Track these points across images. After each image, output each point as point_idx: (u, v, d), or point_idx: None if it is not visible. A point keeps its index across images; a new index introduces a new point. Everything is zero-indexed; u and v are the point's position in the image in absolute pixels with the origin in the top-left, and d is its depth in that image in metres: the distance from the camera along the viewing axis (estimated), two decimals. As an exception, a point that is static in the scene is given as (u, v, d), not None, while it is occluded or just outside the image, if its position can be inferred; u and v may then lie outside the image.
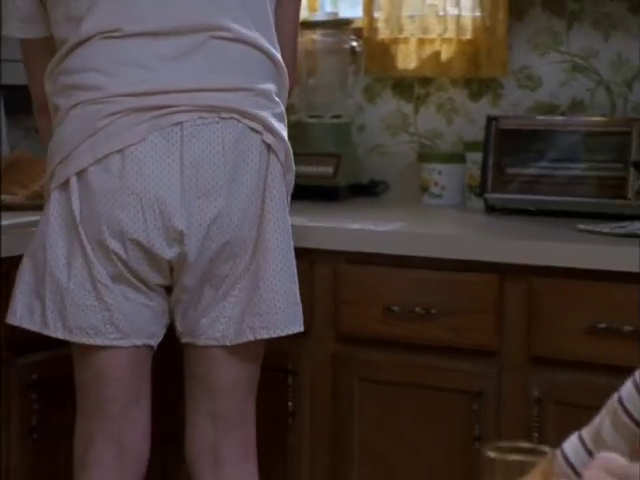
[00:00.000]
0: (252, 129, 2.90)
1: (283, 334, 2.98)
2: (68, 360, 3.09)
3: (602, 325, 3.05)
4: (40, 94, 3.15)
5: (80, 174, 2.85)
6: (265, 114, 2.92)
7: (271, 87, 2.96)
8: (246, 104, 2.91)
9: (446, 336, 3.25)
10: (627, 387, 2.01)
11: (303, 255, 3.20)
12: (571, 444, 1.99)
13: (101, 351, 2.93)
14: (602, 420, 1.98)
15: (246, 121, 2.89)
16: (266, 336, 2.95)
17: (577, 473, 2.00)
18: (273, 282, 2.95)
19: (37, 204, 3.29)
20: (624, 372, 2.02)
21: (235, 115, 2.89)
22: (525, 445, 1.85)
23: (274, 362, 3.22)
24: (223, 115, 2.88)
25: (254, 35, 2.95)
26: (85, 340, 2.88)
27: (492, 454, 1.64)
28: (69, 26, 2.94)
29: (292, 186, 3.04)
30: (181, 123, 2.87)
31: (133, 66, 2.91)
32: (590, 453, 2.01)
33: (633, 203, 3.54)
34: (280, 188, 2.94)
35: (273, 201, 2.94)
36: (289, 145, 3.00)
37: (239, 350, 2.95)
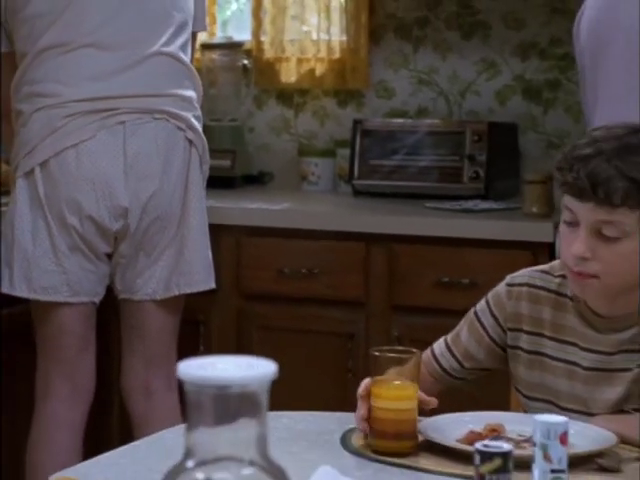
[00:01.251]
0: (178, 127, 3.04)
1: (201, 289, 3.16)
2: (25, 315, 3.18)
3: (445, 279, 3.29)
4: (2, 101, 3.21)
5: (43, 164, 2.98)
6: (188, 115, 3.07)
7: (192, 94, 3.12)
8: (174, 107, 3.06)
9: (325, 291, 3.45)
10: (482, 304, 2.30)
11: (212, 229, 3.31)
12: (438, 345, 2.32)
13: (58, 307, 3.07)
14: (461, 327, 2.31)
15: (174, 121, 3.04)
16: (188, 291, 3.12)
17: (440, 364, 2.30)
18: (194, 250, 3.12)
19: None
20: (463, 315, 2.36)
21: (165, 116, 3.04)
22: (400, 348, 2.21)
23: (189, 315, 3.34)
24: (156, 116, 3.03)
25: (180, 53, 3.10)
26: (46, 297, 3.03)
27: (376, 353, 1.99)
28: (30, 41, 3.03)
29: (207, 175, 3.19)
30: (124, 122, 3.02)
31: (85, 78, 3.03)
32: (449, 349, 2.32)
33: (467, 186, 3.77)
34: (199, 175, 3.11)
35: (194, 185, 3.10)
36: (205, 141, 3.14)
37: (166, 303, 3.11)
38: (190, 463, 1.23)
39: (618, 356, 2.16)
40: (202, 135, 3.14)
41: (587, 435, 1.93)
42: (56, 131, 3.02)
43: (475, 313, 2.30)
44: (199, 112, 3.15)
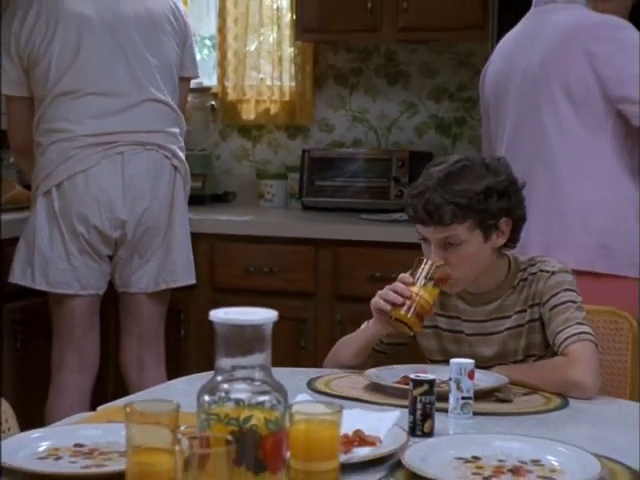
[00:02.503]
0: (165, 156, 3.18)
1: (184, 284, 3.26)
2: (41, 306, 3.28)
3: (378, 274, 3.38)
4: (19, 139, 3.28)
5: (58, 185, 3.10)
6: (173, 147, 3.20)
7: (176, 130, 3.23)
8: (162, 140, 3.18)
9: (282, 285, 3.56)
10: None
11: (192, 236, 3.38)
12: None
13: (70, 298, 3.20)
14: None
15: (162, 151, 3.17)
16: (173, 286, 3.25)
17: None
18: (178, 253, 3.25)
19: (8, 207, 3.56)
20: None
21: (155, 147, 3.16)
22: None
23: (173, 305, 3.42)
24: (147, 147, 3.15)
25: (167, 98, 3.22)
26: (61, 290, 3.16)
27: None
28: (47, 88, 3.12)
29: (189, 193, 3.30)
30: (122, 153, 3.14)
31: (91, 117, 3.14)
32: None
33: (393, 202, 3.85)
34: (182, 194, 3.24)
35: (178, 201, 3.23)
36: (188, 167, 3.26)
37: (156, 295, 3.25)
38: (219, 378, 1.42)
39: (489, 323, 2.25)
40: (185, 162, 3.25)
41: (487, 378, 2.04)
42: (68, 159, 3.12)
43: None
44: (182, 144, 3.25)
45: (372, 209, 3.88)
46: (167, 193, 3.20)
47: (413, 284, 2.12)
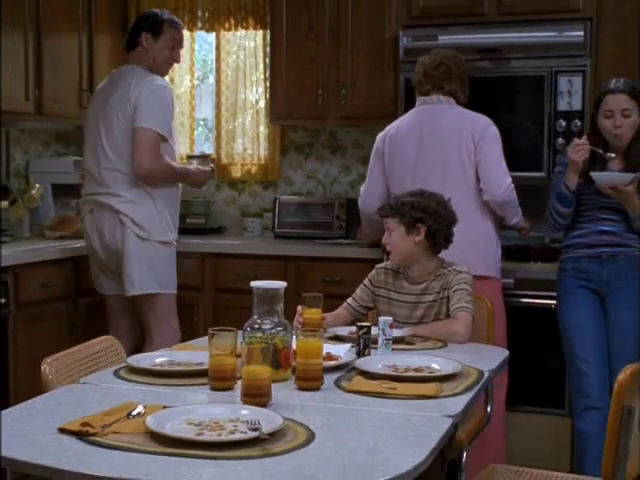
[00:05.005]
0: (115, 210, 3.17)
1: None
2: (94, 303, 3.49)
3: (327, 279, 3.58)
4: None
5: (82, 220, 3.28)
6: (118, 204, 3.19)
7: (126, 193, 3.20)
8: (112, 201, 3.20)
9: None
10: (366, 278, 2.59)
11: (200, 256, 3.63)
12: (349, 300, 2.59)
13: (106, 297, 3.41)
14: (358, 289, 2.62)
15: (114, 207, 3.19)
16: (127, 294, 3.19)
17: (349, 304, 2.56)
18: (130, 271, 3.15)
19: (75, 236, 3.69)
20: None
21: (110, 204, 3.20)
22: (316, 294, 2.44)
23: (187, 301, 3.63)
24: (104, 206, 3.21)
25: (124, 167, 3.18)
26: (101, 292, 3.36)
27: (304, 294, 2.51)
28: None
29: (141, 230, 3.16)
30: (92, 210, 3.27)
31: (87, 185, 3.28)
32: (354, 299, 2.56)
33: (336, 232, 4.00)
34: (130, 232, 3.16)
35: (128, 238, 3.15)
36: (142, 216, 3.16)
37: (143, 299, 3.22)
38: (255, 317, 1.90)
39: (420, 296, 2.50)
40: (135, 213, 3.19)
41: (401, 331, 2.33)
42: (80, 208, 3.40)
43: (363, 282, 2.65)
44: (130, 198, 3.20)
45: (321, 237, 3.98)
46: (114, 234, 3.22)
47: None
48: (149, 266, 3.22)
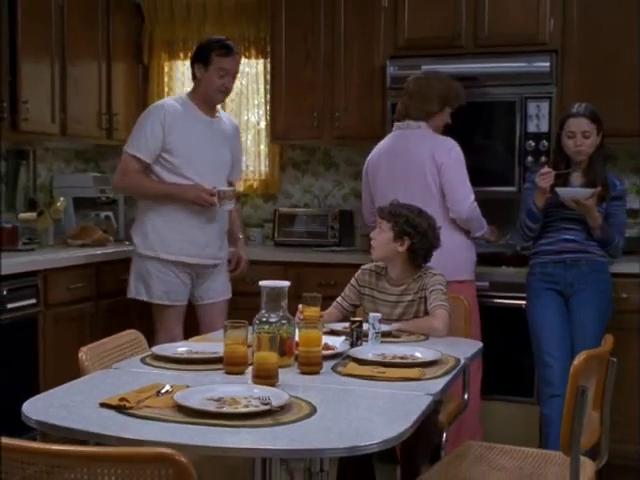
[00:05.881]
0: None
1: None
2: (114, 304, 3.50)
3: (323, 282, 3.59)
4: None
5: None
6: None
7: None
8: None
9: None
10: (353, 279, 2.61)
11: None
12: (338, 299, 2.63)
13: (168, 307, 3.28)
14: (346, 288, 2.65)
15: None
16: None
17: (339, 303, 2.61)
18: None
19: (94, 244, 3.78)
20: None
21: None
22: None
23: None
24: None
25: None
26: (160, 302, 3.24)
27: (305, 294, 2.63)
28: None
29: None
30: None
31: None
32: (343, 297, 2.59)
33: (330, 241, 4.00)
34: None
35: None
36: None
37: None
38: (263, 311, 2.01)
39: (400, 296, 2.54)
40: (133, 227, 3.24)
41: (387, 326, 2.37)
42: None
43: (350, 282, 2.69)
44: (137, 213, 3.24)
45: (317, 245, 4.00)
46: None
47: None
48: (137, 275, 3.24)
